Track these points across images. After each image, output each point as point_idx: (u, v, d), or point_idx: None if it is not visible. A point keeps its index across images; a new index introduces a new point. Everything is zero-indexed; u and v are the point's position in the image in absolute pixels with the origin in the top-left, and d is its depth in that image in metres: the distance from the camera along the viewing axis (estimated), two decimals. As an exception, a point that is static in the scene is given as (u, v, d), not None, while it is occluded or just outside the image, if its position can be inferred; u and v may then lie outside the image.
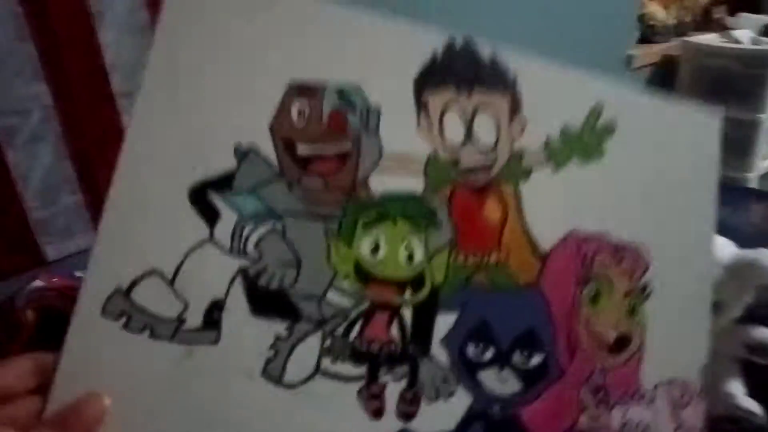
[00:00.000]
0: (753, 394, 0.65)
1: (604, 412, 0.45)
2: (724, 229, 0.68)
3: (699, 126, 0.50)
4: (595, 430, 0.45)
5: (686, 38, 2.15)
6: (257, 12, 0.44)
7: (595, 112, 0.48)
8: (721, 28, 2.23)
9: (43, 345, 0.41)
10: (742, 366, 0.66)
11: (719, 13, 2.34)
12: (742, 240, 0.66)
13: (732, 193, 0.72)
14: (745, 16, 2.26)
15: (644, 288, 0.47)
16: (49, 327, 0.56)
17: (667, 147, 0.49)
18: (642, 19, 2.11)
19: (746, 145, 2.03)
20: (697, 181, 0.50)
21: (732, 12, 2.41)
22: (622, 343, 0.46)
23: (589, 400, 0.45)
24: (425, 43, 0.46)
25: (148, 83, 0.42)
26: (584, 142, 0.48)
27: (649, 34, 2.13)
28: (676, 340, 0.47)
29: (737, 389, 0.64)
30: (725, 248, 0.66)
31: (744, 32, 2.07)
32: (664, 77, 2.17)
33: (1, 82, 0.80)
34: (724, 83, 1.99)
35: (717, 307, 0.63)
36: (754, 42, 2.02)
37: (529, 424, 0.44)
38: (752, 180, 2.10)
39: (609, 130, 0.48)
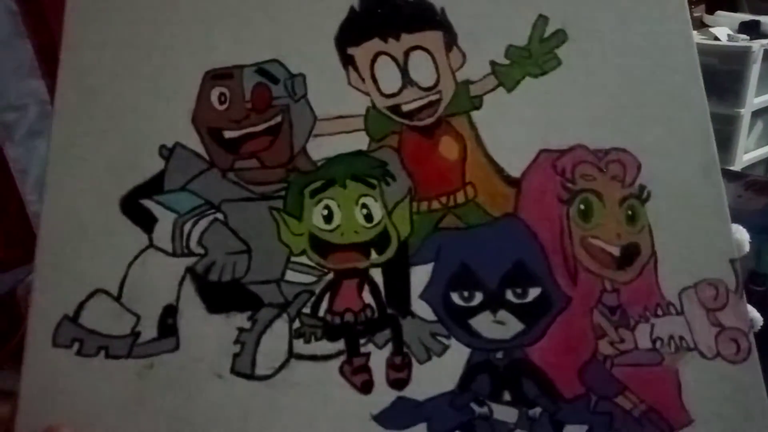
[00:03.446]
0: None
1: (626, 333, 0.39)
2: None
3: (661, 11, 0.45)
4: (624, 356, 0.39)
5: None
6: (162, 11, 0.42)
7: (539, 25, 0.44)
8: (700, 25, 2.26)
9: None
10: None
11: (698, 11, 2.40)
12: None
13: None
14: (722, 14, 2.31)
15: (642, 190, 0.41)
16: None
17: (630, 42, 0.45)
18: (624, 17, 2.12)
19: (727, 140, 2.06)
20: (675, 69, 0.44)
21: (710, 10, 2.44)
22: (629, 254, 0.40)
23: (605, 323, 0.39)
24: (340, 0, 0.43)
25: (59, 105, 0.41)
26: (534, 56, 0.43)
27: None
28: (693, 238, 0.41)
29: None
30: None
31: (722, 29, 2.15)
32: None
33: (-1, 78, 0.80)
34: (705, 79, 1.95)
35: None
36: (732, 39, 2.08)
37: (542, 364, 0.39)
38: (734, 174, 2.09)
39: (560, 38, 0.44)
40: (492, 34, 0.44)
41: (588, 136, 0.42)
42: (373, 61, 0.43)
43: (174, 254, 0.39)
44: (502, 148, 0.42)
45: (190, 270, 0.39)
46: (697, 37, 2.11)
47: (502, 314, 0.39)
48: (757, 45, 2.02)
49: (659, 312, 0.40)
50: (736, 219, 0.60)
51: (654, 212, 0.41)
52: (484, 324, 0.39)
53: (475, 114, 0.42)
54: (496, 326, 0.39)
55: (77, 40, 0.42)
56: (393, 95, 0.42)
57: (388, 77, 0.42)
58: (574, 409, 0.38)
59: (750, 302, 0.62)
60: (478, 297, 0.39)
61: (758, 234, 0.60)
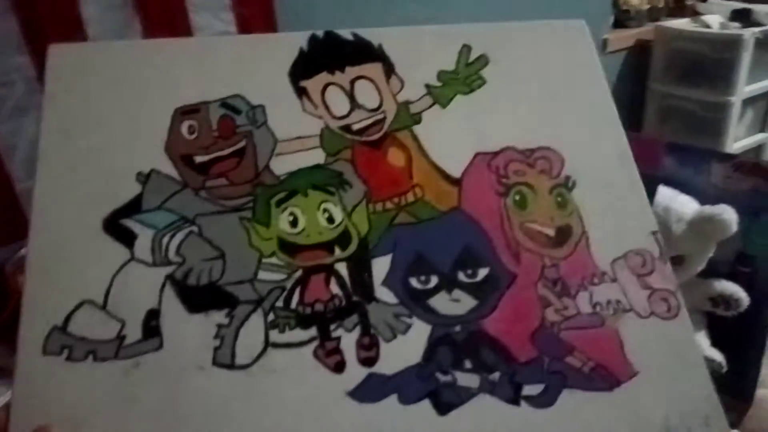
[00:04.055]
0: (715, 344, 0.67)
1: (568, 301, 0.44)
2: (686, 190, 0.70)
3: (567, 32, 0.53)
4: (569, 321, 0.43)
5: (659, 23, 2.19)
6: (135, 61, 0.48)
7: (464, 52, 0.51)
8: (693, 13, 2.26)
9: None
10: (706, 318, 0.68)
11: (690, -1, 2.40)
12: (704, 201, 0.68)
13: (693, 154, 0.74)
14: (715, 2, 2.28)
15: (567, 180, 0.47)
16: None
17: (544, 58, 0.52)
18: (616, 4, 2.16)
19: (718, 127, 2.04)
20: (583, 77, 0.52)
21: (702, -2, 2.45)
22: (563, 234, 0.45)
23: (549, 294, 0.44)
24: (292, 43, 0.50)
25: (44, 144, 0.45)
26: (462, 77, 0.50)
27: (623, 18, 2.17)
28: (617, 216, 0.47)
29: (702, 340, 0.65)
30: (687, 205, 0.67)
31: (714, 17, 2.08)
32: (638, 61, 2.19)
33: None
34: (696, 66, 2.02)
35: (680, 262, 0.64)
36: (723, 27, 2.05)
37: (495, 333, 0.42)
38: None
39: (483, 62, 0.51)
40: (424, 63, 0.51)
41: (516, 139, 0.48)
42: (324, 90, 0.49)
43: (154, 264, 0.43)
44: (442, 153, 0.48)
45: (169, 277, 0.42)
46: (688, 24, 2.14)
47: (457, 293, 0.43)
48: (749, 33, 1.95)
49: (595, 281, 0.44)
50: (724, 200, 0.64)
51: (580, 197, 0.47)
52: (441, 302, 0.43)
53: (416, 128, 0.48)
54: (452, 304, 0.43)
55: (59, 88, 0.47)
56: (343, 117, 0.48)
57: (338, 102, 0.49)
58: (530, 371, 0.42)
59: (737, 283, 0.66)
60: (434, 280, 0.43)
61: (746, 215, 0.64)
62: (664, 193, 0.66)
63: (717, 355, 0.66)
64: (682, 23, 2.16)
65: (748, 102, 2.09)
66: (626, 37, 2.15)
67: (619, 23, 2.18)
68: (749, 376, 0.66)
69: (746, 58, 1.96)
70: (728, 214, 0.63)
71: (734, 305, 0.66)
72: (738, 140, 2.12)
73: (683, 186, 0.69)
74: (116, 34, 0.91)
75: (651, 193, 0.46)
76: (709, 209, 0.64)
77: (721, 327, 0.69)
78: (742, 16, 2.05)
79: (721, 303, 0.66)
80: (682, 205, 0.67)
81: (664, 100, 2.18)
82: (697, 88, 2.06)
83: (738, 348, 0.67)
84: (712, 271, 0.69)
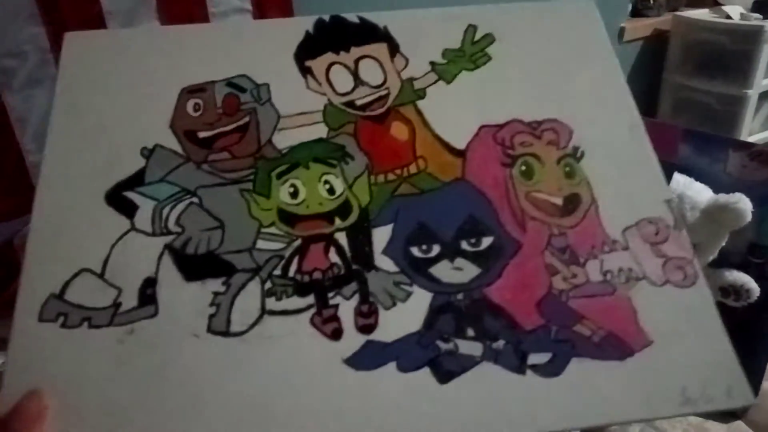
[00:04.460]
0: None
1: (577, 269, 0.42)
2: (701, 178, 0.69)
3: (575, 11, 0.53)
4: (578, 289, 0.41)
5: (677, 12, 2.14)
6: (145, 42, 0.49)
7: (470, 31, 0.51)
8: (713, 3, 2.17)
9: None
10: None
11: (711, -12, 2.28)
12: (719, 189, 0.67)
13: (710, 142, 0.73)
14: None
15: (575, 150, 0.46)
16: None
17: (552, 36, 0.51)
18: (635, -8, 2.10)
19: (733, 120, 1.97)
20: (592, 52, 0.51)
21: (723, -12, 2.35)
22: (570, 202, 0.44)
23: (557, 262, 0.42)
24: (298, 27, 0.50)
25: (54, 121, 0.46)
26: (467, 55, 0.50)
27: (641, 7, 2.10)
28: (628, 185, 0.45)
29: None
30: (702, 192, 0.66)
31: (735, 8, 2.00)
32: (654, 51, 2.12)
33: (-1, 24, 0.74)
34: (714, 58, 1.95)
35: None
36: (744, 18, 1.99)
37: (500, 301, 0.41)
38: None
39: (489, 40, 0.51)
40: (429, 42, 0.50)
41: (522, 112, 0.47)
42: (328, 69, 0.49)
43: (153, 234, 0.43)
44: (447, 126, 0.47)
45: (168, 246, 0.42)
46: (708, 15, 2.09)
47: (460, 261, 0.42)
48: (770, 24, 1.82)
49: (606, 249, 0.42)
50: (739, 189, 0.62)
51: (589, 168, 0.45)
52: (443, 271, 0.42)
53: (420, 102, 0.48)
54: (455, 272, 0.42)
55: (72, 72, 0.48)
56: (347, 93, 0.48)
57: (342, 80, 0.48)
58: (536, 339, 0.40)
59: (749, 274, 0.64)
60: (436, 249, 0.42)
61: (761, 205, 0.62)
62: (679, 180, 0.65)
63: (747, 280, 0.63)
64: (701, 13, 2.10)
65: (764, 96, 2.02)
66: (643, 27, 2.07)
67: (637, 12, 2.10)
68: (757, 368, 0.63)
69: (766, 50, 1.87)
70: (743, 203, 0.61)
71: (745, 296, 0.64)
72: (752, 134, 2.04)
73: (698, 174, 0.68)
74: (130, 7, 0.88)
75: (665, 181, 0.45)
76: (723, 197, 0.63)
77: (730, 318, 0.65)
78: (764, 7, 1.95)
79: (731, 293, 0.65)
80: (696, 192, 0.65)
81: (679, 92, 2.11)
82: (714, 80, 2.00)
83: (746, 339, 0.64)
84: (723, 261, 0.67)
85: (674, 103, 2.18)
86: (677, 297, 0.41)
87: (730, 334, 0.62)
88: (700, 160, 0.71)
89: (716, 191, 0.67)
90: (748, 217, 0.61)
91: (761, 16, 1.95)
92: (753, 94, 1.95)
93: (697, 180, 0.69)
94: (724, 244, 0.66)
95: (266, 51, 0.50)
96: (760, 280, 0.64)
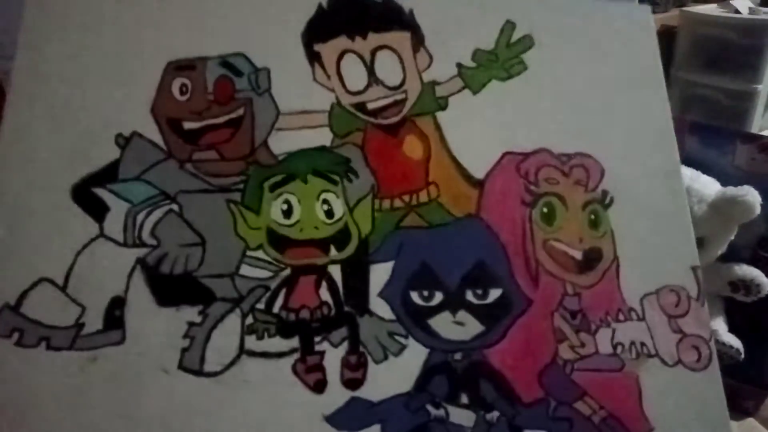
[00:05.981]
0: (733, 330, 0.64)
1: (587, 338, 0.38)
2: (708, 171, 0.66)
3: (628, 21, 0.46)
4: (585, 361, 0.38)
5: (685, 8, 2.11)
6: (126, 8, 0.42)
7: (507, 30, 0.44)
8: None
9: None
10: (724, 303, 0.65)
11: (719, -18, 2.28)
12: (727, 182, 0.64)
13: (718, 135, 0.68)
14: None
15: (605, 195, 0.41)
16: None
17: (598, 49, 0.45)
18: (641, -13, 2.08)
19: (740, 116, 1.97)
20: (641, 77, 0.45)
21: (732, -19, 2.36)
22: (591, 258, 0.40)
23: (566, 327, 0.38)
24: (310, 0, 0.43)
25: (13, 88, 0.39)
26: (501, 60, 0.44)
27: (648, 2, 2.08)
28: (656, 244, 0.41)
29: (720, 326, 0.62)
30: (709, 185, 0.63)
31: (743, 2, 1.99)
32: (662, 47, 2.12)
33: (3, 25, 0.76)
34: (722, 53, 1.93)
35: (700, 244, 0.60)
36: (753, 12, 1.96)
37: (501, 366, 0.37)
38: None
39: (527, 44, 0.44)
40: (460, 36, 0.44)
41: (552, 140, 0.42)
42: (340, 58, 0.42)
43: (125, 244, 0.38)
44: (467, 149, 0.41)
45: (140, 261, 0.38)
46: (716, 10, 2.08)
47: (462, 315, 0.38)
48: (780, 18, 1.86)
49: (621, 317, 0.39)
50: (748, 181, 0.60)
51: (617, 218, 0.41)
52: (443, 324, 0.38)
53: (440, 114, 0.42)
54: (456, 327, 0.38)
55: (37, 20, 0.41)
56: (358, 93, 0.42)
57: (354, 75, 0.42)
58: (533, 414, 0.37)
59: (759, 268, 0.63)
60: (438, 297, 0.38)
61: None
62: (685, 173, 0.61)
63: (735, 342, 0.62)
64: (709, 8, 2.06)
65: (774, 91, 2.00)
66: (651, 22, 2.05)
67: (644, 8, 2.08)
68: (767, 364, 0.63)
69: (776, 44, 1.85)
70: (752, 196, 0.59)
71: (754, 291, 0.62)
72: (763, 130, 2.04)
73: (706, 167, 0.66)
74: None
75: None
76: (732, 190, 0.60)
77: (740, 313, 0.65)
78: (774, 1, 1.93)
79: (741, 288, 0.63)
80: (703, 185, 0.63)
81: (688, 88, 2.09)
82: (723, 75, 1.97)
83: (756, 335, 0.63)
84: (732, 256, 0.65)
85: (683, 99, 2.15)
86: (687, 381, 0.38)
87: (739, 330, 0.62)
88: (707, 152, 0.69)
89: (724, 184, 0.65)
90: (757, 210, 0.59)
91: (770, 10, 1.91)
92: (763, 89, 1.92)
93: (704, 173, 0.66)
94: (732, 238, 0.64)
95: (269, 25, 0.43)
96: (769, 276, 0.63)
